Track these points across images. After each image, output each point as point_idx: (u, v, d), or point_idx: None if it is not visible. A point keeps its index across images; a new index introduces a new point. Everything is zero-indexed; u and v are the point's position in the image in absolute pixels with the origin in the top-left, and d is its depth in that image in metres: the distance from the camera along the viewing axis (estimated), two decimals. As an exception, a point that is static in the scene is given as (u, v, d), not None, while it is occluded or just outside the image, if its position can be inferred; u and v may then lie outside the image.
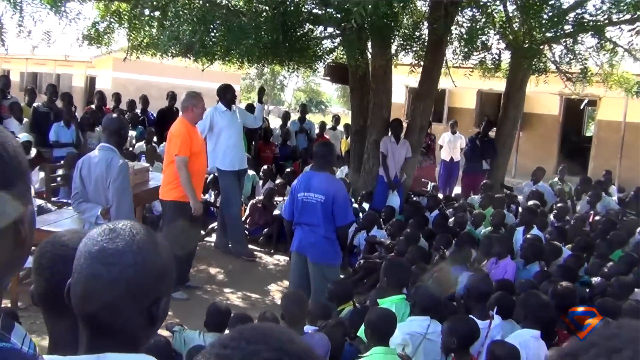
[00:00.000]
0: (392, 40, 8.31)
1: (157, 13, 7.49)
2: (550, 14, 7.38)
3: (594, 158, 14.52)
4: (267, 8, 6.86)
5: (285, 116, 12.41)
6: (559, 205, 8.23)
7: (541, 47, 8.43)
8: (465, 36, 7.54)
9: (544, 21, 7.45)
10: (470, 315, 3.73)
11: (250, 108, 9.03)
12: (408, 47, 8.58)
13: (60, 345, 1.46)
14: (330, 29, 8.68)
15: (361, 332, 3.65)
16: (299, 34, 7.97)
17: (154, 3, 7.16)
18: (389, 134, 8.24)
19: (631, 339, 0.71)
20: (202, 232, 7.60)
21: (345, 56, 8.50)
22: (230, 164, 6.95)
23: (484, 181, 8.98)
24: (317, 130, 12.07)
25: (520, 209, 8.14)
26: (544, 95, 13.58)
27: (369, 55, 8.43)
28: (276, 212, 7.61)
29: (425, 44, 8.35)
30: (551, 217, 7.81)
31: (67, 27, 7.25)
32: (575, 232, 6.81)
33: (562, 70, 9.25)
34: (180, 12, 6.42)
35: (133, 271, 1.19)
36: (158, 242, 1.26)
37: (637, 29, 7.08)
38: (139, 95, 11.74)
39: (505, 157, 9.85)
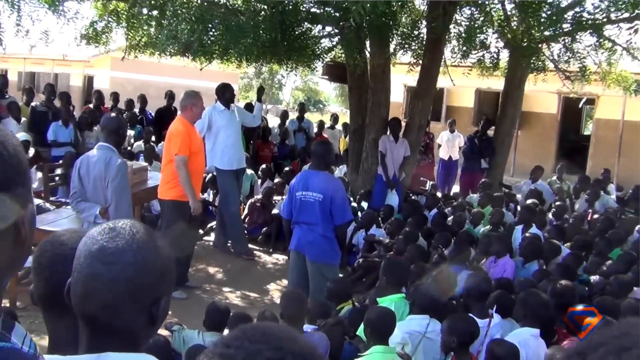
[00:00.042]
0: (390, 39, 8.29)
1: (155, 12, 7.49)
2: (548, 12, 7.37)
3: (593, 156, 14.53)
4: (265, 7, 6.85)
5: (284, 115, 12.37)
6: (557, 203, 8.25)
7: (539, 45, 8.43)
8: (463, 35, 7.53)
9: (542, 19, 7.45)
10: (470, 314, 3.73)
11: (249, 107, 9.04)
12: (406, 45, 8.56)
13: (60, 345, 1.45)
14: (328, 28, 8.67)
15: (360, 331, 3.65)
16: (297, 32, 7.96)
17: (152, 2, 7.16)
18: (388, 132, 8.24)
19: None
20: (201, 232, 7.60)
21: (343, 55, 8.48)
22: (229, 163, 6.95)
23: (483, 180, 8.99)
24: (315, 129, 12.06)
25: (519, 208, 8.13)
26: (543, 94, 13.58)
27: (368, 54, 8.42)
28: (275, 211, 7.62)
29: (424, 42, 8.34)
30: (550, 215, 7.82)
31: (65, 26, 7.25)
32: (574, 231, 6.82)
33: (560, 68, 9.24)
34: (179, 11, 6.41)
35: (133, 270, 1.18)
36: (158, 241, 1.25)
37: (636, 27, 7.07)
38: (137, 94, 11.71)
39: (503, 155, 9.84)
